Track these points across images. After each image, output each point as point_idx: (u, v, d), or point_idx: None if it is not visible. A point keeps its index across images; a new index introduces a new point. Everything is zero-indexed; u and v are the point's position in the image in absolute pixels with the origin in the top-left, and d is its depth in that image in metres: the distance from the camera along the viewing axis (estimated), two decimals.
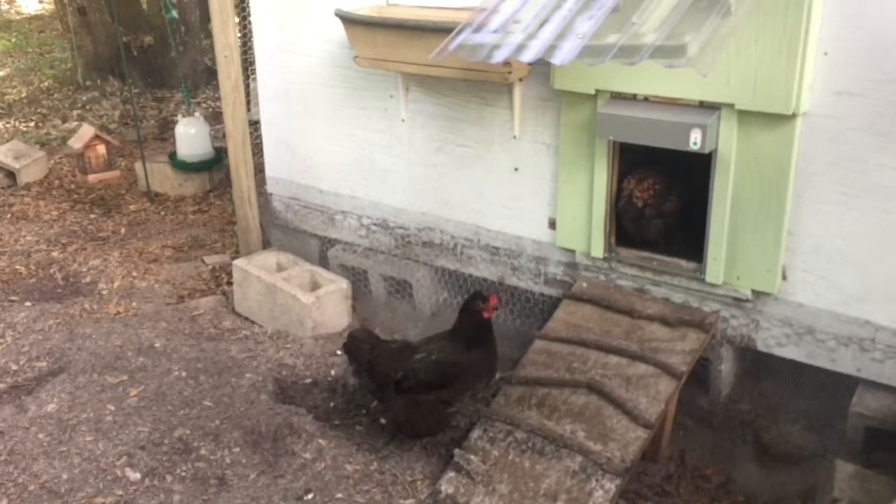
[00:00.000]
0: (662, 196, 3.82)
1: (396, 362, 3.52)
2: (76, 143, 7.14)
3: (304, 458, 3.52)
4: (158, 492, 3.32)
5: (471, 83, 4.11)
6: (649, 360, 3.54)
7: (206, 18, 8.34)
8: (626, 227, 3.90)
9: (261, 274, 4.72)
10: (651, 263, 3.86)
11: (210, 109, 8.96)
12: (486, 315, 3.43)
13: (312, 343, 4.48)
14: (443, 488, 3.30)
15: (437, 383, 3.44)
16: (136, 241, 5.97)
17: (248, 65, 5.73)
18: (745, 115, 3.37)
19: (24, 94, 10.09)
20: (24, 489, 3.33)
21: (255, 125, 5.47)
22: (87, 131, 7.26)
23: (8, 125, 8.90)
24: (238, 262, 4.90)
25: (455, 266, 4.57)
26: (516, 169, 4.17)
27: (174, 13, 7.16)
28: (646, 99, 3.59)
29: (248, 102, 5.83)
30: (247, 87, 5.72)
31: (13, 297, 5.07)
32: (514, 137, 4.11)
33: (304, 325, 4.53)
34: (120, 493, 3.31)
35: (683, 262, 3.79)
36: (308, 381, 4.18)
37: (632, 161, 3.86)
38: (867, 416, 3.40)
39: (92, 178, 7.14)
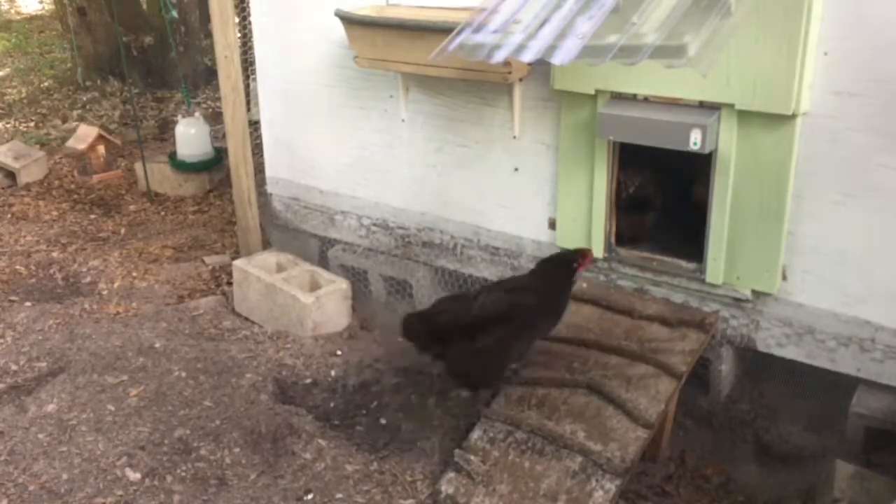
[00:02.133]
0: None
1: (460, 306, 3.59)
2: (80, 143, 7.13)
3: (304, 458, 3.52)
4: (158, 492, 3.32)
5: (471, 83, 4.11)
6: (649, 360, 3.54)
7: (206, 18, 8.34)
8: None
9: (261, 274, 4.72)
10: (651, 264, 3.86)
11: (210, 109, 8.96)
12: (580, 269, 3.50)
13: (312, 343, 4.48)
14: (443, 488, 3.30)
15: (504, 315, 3.46)
16: (136, 241, 5.97)
17: (248, 65, 5.73)
18: (745, 116, 3.37)
19: (24, 94, 10.09)
20: (24, 489, 3.32)
21: (255, 125, 5.47)
22: (89, 131, 7.25)
23: (8, 125, 8.90)
24: (238, 263, 4.90)
25: (455, 266, 4.57)
26: (516, 169, 4.17)
27: (174, 13, 7.17)
28: (646, 99, 3.59)
29: (248, 102, 5.83)
30: (247, 87, 5.72)
31: (13, 297, 5.07)
32: (514, 137, 4.11)
33: (304, 325, 4.53)
34: (120, 493, 3.31)
35: (683, 263, 3.79)
36: (308, 381, 4.18)
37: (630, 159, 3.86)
38: (867, 416, 3.40)
39: (96, 178, 7.15)
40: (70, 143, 7.26)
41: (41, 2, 15.70)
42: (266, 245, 5.31)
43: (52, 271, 5.45)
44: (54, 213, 6.55)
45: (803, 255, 3.49)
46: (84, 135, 7.21)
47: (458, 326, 3.54)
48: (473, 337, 3.50)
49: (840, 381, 3.55)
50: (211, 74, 9.60)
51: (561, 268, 3.52)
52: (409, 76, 4.28)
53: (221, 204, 6.65)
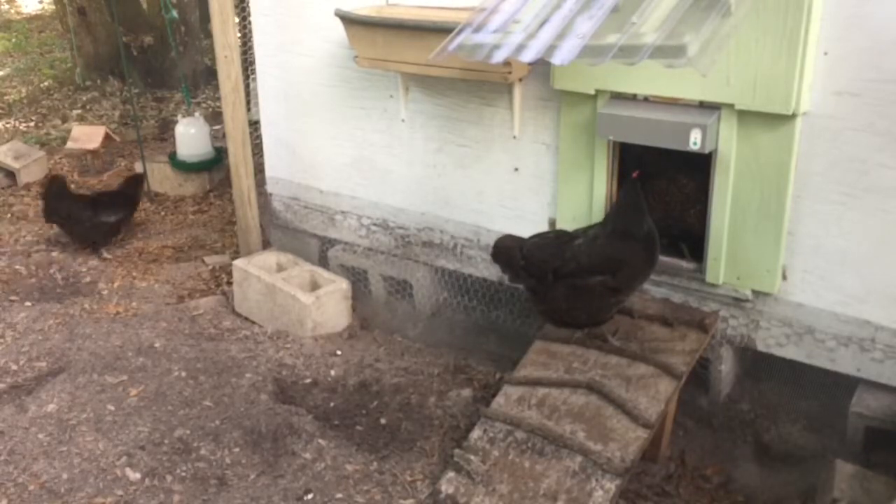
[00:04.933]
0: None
1: (553, 250, 3.50)
2: (89, 142, 7.12)
3: (304, 458, 3.52)
4: (158, 492, 3.32)
5: (471, 83, 4.11)
6: (649, 360, 3.54)
7: (206, 18, 8.34)
8: None
9: (261, 274, 4.72)
10: None
11: (210, 109, 8.96)
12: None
13: (312, 343, 4.48)
14: (443, 488, 3.30)
15: (599, 267, 3.41)
16: (136, 241, 5.98)
17: (248, 65, 5.73)
18: (745, 115, 3.37)
19: (24, 94, 10.10)
20: (24, 489, 3.33)
21: (255, 125, 5.47)
22: (96, 131, 7.26)
23: (8, 125, 8.91)
24: (238, 262, 4.90)
25: (455, 266, 4.57)
26: (516, 169, 4.17)
27: (174, 13, 7.16)
28: (646, 99, 3.59)
29: (248, 102, 5.83)
30: (247, 87, 5.72)
31: (13, 297, 5.07)
32: (514, 137, 4.11)
33: (304, 325, 4.53)
34: (120, 493, 3.31)
35: (683, 263, 3.79)
36: (308, 381, 4.18)
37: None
38: (867, 416, 3.40)
39: (106, 176, 7.16)
40: (74, 143, 7.24)
41: (41, 2, 15.71)
42: (266, 245, 5.31)
43: (52, 271, 5.45)
44: None
45: (803, 255, 3.49)
46: (92, 134, 7.22)
47: (554, 269, 3.46)
48: (572, 276, 3.44)
49: (840, 381, 3.55)
50: (211, 74, 9.60)
51: (635, 199, 3.43)
52: (409, 76, 4.28)
53: (221, 204, 6.65)
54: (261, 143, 5.28)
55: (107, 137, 7.23)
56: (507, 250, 3.63)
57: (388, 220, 4.75)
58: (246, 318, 4.80)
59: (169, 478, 3.40)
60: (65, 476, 3.39)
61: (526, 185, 4.17)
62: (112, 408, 3.80)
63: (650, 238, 3.46)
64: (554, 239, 3.62)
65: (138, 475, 3.39)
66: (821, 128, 3.30)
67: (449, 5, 3.99)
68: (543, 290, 3.53)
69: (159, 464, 3.46)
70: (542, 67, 3.74)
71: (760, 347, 3.71)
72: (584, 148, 3.84)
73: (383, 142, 4.61)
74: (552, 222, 4.12)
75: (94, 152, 7.13)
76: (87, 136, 7.21)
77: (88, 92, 9.96)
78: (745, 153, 3.44)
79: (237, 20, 5.40)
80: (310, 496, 3.33)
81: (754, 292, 3.63)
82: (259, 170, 5.35)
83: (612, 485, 3.13)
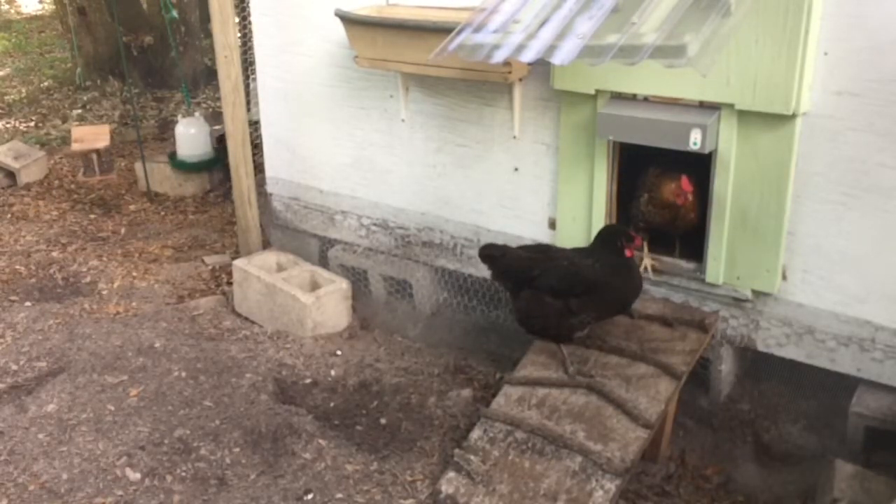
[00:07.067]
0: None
1: (532, 262, 3.58)
2: (97, 142, 7.11)
3: (304, 458, 3.52)
4: (158, 492, 3.33)
5: (471, 83, 4.11)
6: (649, 360, 3.54)
7: (206, 18, 8.34)
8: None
9: (261, 274, 4.72)
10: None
11: (210, 109, 8.96)
12: (627, 254, 3.45)
13: (312, 343, 4.48)
14: (443, 488, 3.30)
15: (566, 290, 3.47)
16: (136, 241, 5.98)
17: (248, 65, 5.73)
18: (745, 115, 3.37)
19: (24, 94, 10.09)
20: (24, 489, 3.33)
21: (255, 125, 5.47)
22: (100, 130, 7.25)
23: (8, 125, 8.91)
24: (238, 262, 4.90)
25: (455, 266, 4.57)
26: (516, 169, 4.18)
27: (174, 13, 7.16)
28: (646, 99, 3.60)
29: (248, 102, 5.83)
30: (247, 87, 5.72)
31: (13, 297, 5.07)
32: (514, 137, 4.11)
33: (304, 325, 4.53)
34: (120, 493, 3.31)
35: (683, 263, 3.79)
36: (308, 381, 4.18)
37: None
38: (867, 416, 3.40)
39: (115, 174, 7.18)
40: (80, 144, 7.21)
41: (41, 2, 15.71)
42: (266, 245, 5.31)
43: (52, 271, 5.45)
44: (54, 213, 6.55)
45: (803, 255, 3.49)
46: (98, 133, 7.21)
47: (528, 279, 3.55)
48: (541, 290, 3.52)
49: (840, 381, 3.55)
50: (211, 74, 9.59)
51: (612, 252, 3.49)
52: (409, 76, 4.28)
53: (221, 204, 6.65)
54: (261, 143, 5.28)
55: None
56: (492, 254, 3.73)
57: (388, 220, 4.75)
58: (246, 318, 4.80)
59: (169, 478, 3.40)
60: (65, 476, 3.39)
61: (526, 185, 4.17)
62: (112, 408, 3.80)
63: (627, 279, 3.53)
64: (535, 252, 3.68)
65: (138, 475, 3.40)
66: (821, 128, 3.30)
67: (449, 5, 3.99)
68: (517, 293, 3.64)
69: (159, 464, 3.46)
70: (542, 67, 3.74)
71: (760, 347, 3.71)
72: (584, 148, 3.84)
73: (383, 142, 4.61)
74: (552, 222, 4.12)
75: (99, 151, 7.13)
76: (92, 135, 7.20)
77: (88, 92, 9.96)
78: (745, 153, 3.44)
79: (237, 20, 5.40)
80: (310, 496, 3.33)
81: (754, 292, 3.63)
82: (259, 170, 5.36)
83: (612, 485, 3.13)
